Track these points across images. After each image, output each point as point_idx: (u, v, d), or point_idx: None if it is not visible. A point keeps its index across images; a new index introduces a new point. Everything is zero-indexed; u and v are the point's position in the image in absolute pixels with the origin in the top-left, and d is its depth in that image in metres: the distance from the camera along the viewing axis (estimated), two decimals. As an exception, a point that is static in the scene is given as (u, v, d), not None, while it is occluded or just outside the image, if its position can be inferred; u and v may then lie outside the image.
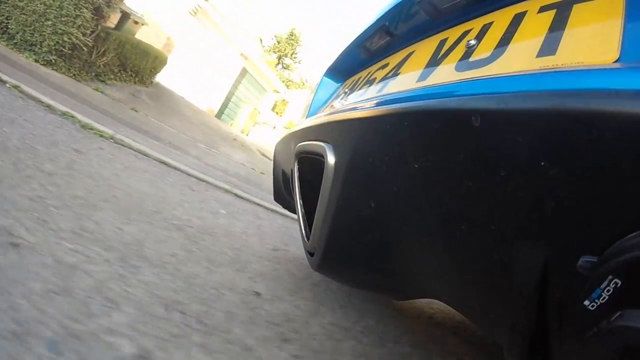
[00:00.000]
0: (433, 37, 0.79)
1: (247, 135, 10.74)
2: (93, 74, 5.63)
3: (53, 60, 4.89)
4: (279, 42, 22.94)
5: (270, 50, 22.42)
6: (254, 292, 1.05)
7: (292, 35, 22.62)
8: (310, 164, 1.11)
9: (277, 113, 13.67)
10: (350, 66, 1.22)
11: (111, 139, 2.27)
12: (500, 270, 0.52)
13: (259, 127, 11.22)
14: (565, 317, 0.43)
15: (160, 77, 9.03)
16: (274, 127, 11.66)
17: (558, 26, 0.48)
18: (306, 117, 1.36)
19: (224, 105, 11.55)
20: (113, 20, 6.61)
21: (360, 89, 1.03)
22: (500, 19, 0.61)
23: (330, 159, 0.88)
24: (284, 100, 14.34)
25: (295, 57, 25.59)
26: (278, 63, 23.39)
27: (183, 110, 6.45)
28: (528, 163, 0.42)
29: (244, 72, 11.72)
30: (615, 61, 0.38)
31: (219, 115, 11.27)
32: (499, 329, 0.59)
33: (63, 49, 4.95)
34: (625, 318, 0.30)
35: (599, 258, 0.35)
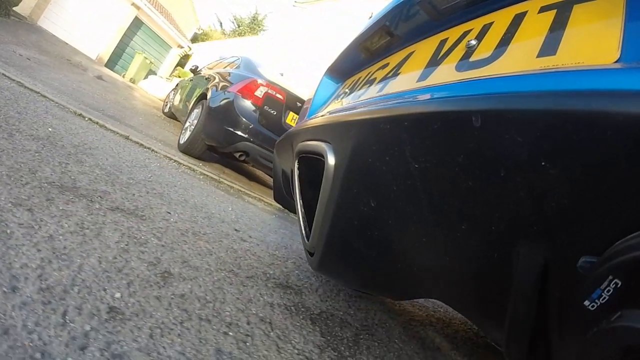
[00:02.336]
0: (433, 37, 0.79)
1: (134, 84, 10.39)
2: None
3: None
4: (239, 26, 21.07)
5: (231, 35, 21.30)
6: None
7: (254, 20, 21.65)
8: (310, 164, 1.11)
9: (181, 67, 13.30)
10: (350, 66, 1.22)
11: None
12: (500, 270, 0.52)
13: (152, 78, 10.80)
14: (565, 317, 0.43)
15: (43, 23, 9.02)
16: (168, 79, 11.41)
17: (558, 26, 0.48)
18: (306, 118, 1.36)
19: (117, 56, 11.26)
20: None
21: (360, 89, 1.03)
22: (501, 19, 0.61)
23: (330, 159, 0.88)
24: (185, 54, 13.90)
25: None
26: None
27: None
28: (528, 163, 0.42)
29: (137, 22, 11.40)
30: (616, 61, 0.38)
31: (110, 65, 10.98)
32: (499, 329, 0.59)
33: None
34: (625, 318, 0.30)
35: (599, 258, 0.35)
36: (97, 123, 2.17)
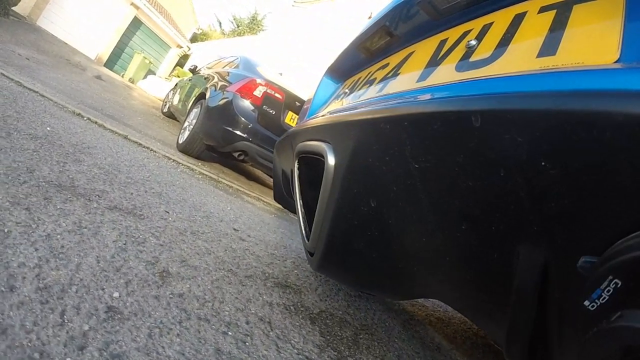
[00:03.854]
0: (433, 37, 0.79)
1: (133, 83, 10.34)
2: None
3: None
4: (238, 26, 21.25)
5: (230, 35, 21.29)
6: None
7: (254, 20, 21.66)
8: (310, 164, 1.11)
9: (181, 67, 13.23)
10: (350, 66, 1.22)
11: None
12: (500, 270, 0.52)
13: (151, 78, 10.74)
14: (565, 317, 0.43)
15: (42, 22, 8.99)
16: (167, 79, 11.37)
17: (558, 26, 0.48)
18: (306, 118, 1.36)
19: (116, 55, 11.25)
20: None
21: (360, 89, 1.03)
22: (501, 19, 0.61)
23: (330, 159, 0.88)
24: (184, 53, 13.78)
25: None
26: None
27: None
28: (528, 163, 0.42)
29: (136, 22, 11.38)
30: (616, 62, 0.38)
31: (109, 65, 10.97)
32: (499, 329, 0.59)
33: None
34: (625, 318, 0.30)
35: (599, 258, 0.35)
36: (95, 122, 2.17)
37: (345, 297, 1.32)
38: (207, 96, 3.21)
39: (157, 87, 9.97)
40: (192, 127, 3.18)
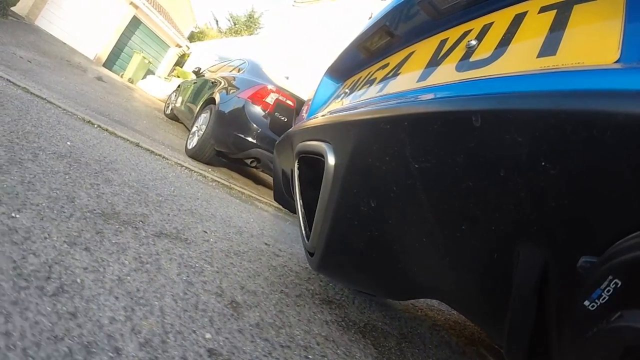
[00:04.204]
0: (433, 37, 0.79)
1: (132, 84, 10.13)
2: None
3: None
4: (235, 24, 20.99)
5: (227, 33, 21.30)
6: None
7: (250, 18, 21.66)
8: (311, 164, 1.11)
9: (180, 66, 13.05)
10: (350, 66, 1.22)
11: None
12: (500, 270, 0.52)
13: (151, 78, 10.56)
14: (565, 317, 0.43)
15: (40, 22, 8.84)
16: (166, 79, 11.18)
17: (558, 26, 0.48)
18: (306, 118, 1.36)
19: (115, 55, 11.06)
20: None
21: (360, 89, 1.03)
22: (501, 19, 0.61)
23: (331, 159, 0.88)
24: (184, 53, 13.57)
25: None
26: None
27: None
28: (528, 163, 0.42)
29: (135, 21, 11.21)
30: (616, 62, 0.38)
31: (108, 65, 10.64)
32: (499, 329, 0.59)
33: None
34: (625, 318, 0.30)
35: (599, 258, 0.35)
36: (106, 130, 2.17)
37: (378, 308, 1.37)
38: (217, 101, 3.18)
39: (157, 88, 9.90)
40: (201, 132, 3.16)
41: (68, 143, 1.51)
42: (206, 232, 1.32)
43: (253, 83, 3.14)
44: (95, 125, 2.14)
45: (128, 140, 2.23)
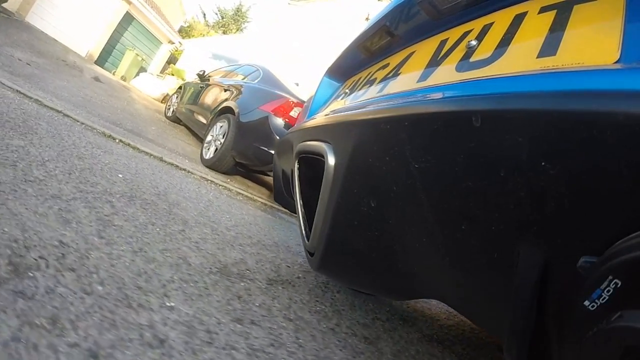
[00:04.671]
0: (434, 37, 0.79)
1: (125, 81, 9.59)
2: None
3: None
4: (223, 17, 21.18)
5: (214, 26, 21.02)
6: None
7: (238, 11, 21.54)
8: (311, 164, 1.11)
9: (173, 63, 12.69)
10: (350, 66, 1.22)
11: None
12: (500, 270, 0.52)
13: (144, 76, 10.11)
14: (565, 317, 0.43)
15: (31, 19, 8.51)
16: (159, 76, 10.83)
17: (558, 27, 0.48)
18: (307, 118, 1.36)
19: (107, 52, 10.53)
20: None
21: (360, 89, 1.03)
22: (501, 19, 0.61)
23: (331, 159, 0.88)
24: (176, 50, 13.19)
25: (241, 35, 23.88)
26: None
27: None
28: (528, 163, 0.42)
29: (128, 17, 10.79)
30: (616, 62, 0.38)
31: (100, 62, 10.23)
32: (499, 329, 0.59)
33: None
34: (625, 318, 0.30)
35: (599, 258, 0.35)
36: (129, 145, 2.18)
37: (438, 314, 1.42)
38: (236, 112, 3.14)
39: (151, 86, 9.62)
40: (219, 142, 3.16)
41: (120, 175, 1.49)
42: (288, 267, 1.35)
43: (275, 96, 3.14)
44: (117, 140, 2.15)
45: (152, 155, 2.26)
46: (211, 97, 4.15)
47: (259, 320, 0.84)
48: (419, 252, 0.73)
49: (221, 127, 3.32)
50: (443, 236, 0.62)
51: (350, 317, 1.12)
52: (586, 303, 0.34)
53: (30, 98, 2.04)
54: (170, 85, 10.00)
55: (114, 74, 10.30)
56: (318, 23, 10.57)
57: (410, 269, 0.81)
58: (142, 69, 11.48)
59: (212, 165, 3.07)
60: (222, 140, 3.12)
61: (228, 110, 3.38)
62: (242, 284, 1.01)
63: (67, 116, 2.08)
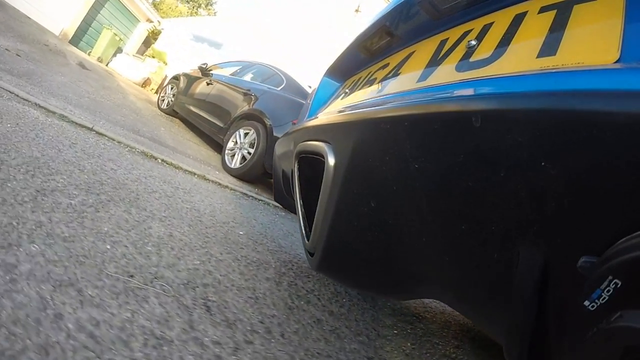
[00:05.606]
0: (433, 37, 0.79)
1: (102, 63, 8.88)
2: None
3: None
4: None
5: (183, 0, 20.72)
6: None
7: None
8: (311, 164, 1.11)
9: (153, 46, 11.38)
10: (350, 66, 1.22)
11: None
12: (500, 270, 0.52)
13: (123, 58, 9.49)
14: (565, 317, 0.43)
15: None
16: (136, 57, 9.99)
17: (558, 27, 0.48)
18: (307, 118, 1.36)
19: (82, 31, 9.50)
20: None
21: (360, 89, 1.03)
22: (501, 19, 0.61)
23: (331, 159, 0.88)
24: (154, 29, 11.93)
25: (210, 8, 23.52)
26: (191, 15, 20.96)
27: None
28: (528, 163, 0.42)
29: None
30: (616, 62, 0.38)
31: (75, 41, 9.25)
32: (499, 329, 0.59)
33: None
34: (625, 318, 0.30)
35: (599, 258, 0.35)
36: (165, 162, 2.13)
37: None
38: (267, 124, 3.08)
39: (132, 69, 8.94)
40: (246, 152, 3.13)
41: (187, 206, 1.44)
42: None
43: (305, 108, 3.10)
44: (160, 160, 2.10)
45: (194, 174, 2.24)
46: (226, 98, 4.00)
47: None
48: (418, 252, 0.73)
49: (246, 134, 3.24)
50: (443, 236, 0.62)
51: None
52: (586, 303, 0.34)
53: (54, 113, 1.90)
54: (151, 69, 9.45)
55: (89, 54, 9.32)
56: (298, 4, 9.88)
57: (410, 269, 0.81)
58: (119, 50, 10.55)
59: (241, 175, 3.03)
60: (251, 151, 3.08)
61: (254, 117, 3.28)
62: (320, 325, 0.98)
63: (101, 134, 1.98)
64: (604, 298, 0.32)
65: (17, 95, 1.87)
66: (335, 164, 0.87)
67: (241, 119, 3.46)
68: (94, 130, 1.99)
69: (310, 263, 1.06)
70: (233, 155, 3.26)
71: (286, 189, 1.58)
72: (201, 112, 4.30)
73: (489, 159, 0.47)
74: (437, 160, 0.56)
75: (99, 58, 9.38)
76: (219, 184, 2.35)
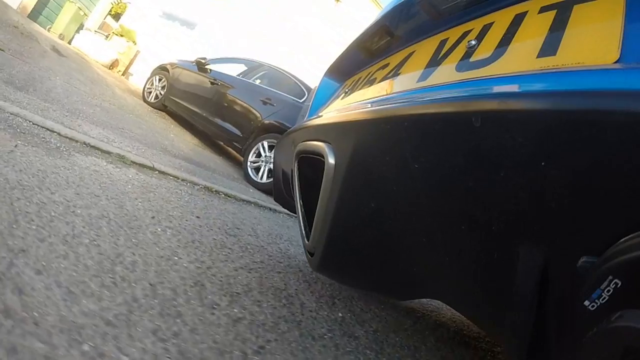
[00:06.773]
0: (434, 37, 0.79)
1: (64, 40, 8.02)
2: None
3: None
4: None
5: None
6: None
7: None
8: (311, 164, 1.11)
9: (115, 19, 10.05)
10: (350, 66, 1.22)
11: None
12: (500, 270, 0.52)
13: (87, 35, 8.53)
14: (565, 317, 0.43)
15: None
16: (99, 32, 8.87)
17: (558, 27, 0.48)
18: (307, 117, 1.36)
19: (42, 4, 8.32)
20: None
21: (360, 89, 1.03)
22: (501, 19, 0.61)
23: (331, 159, 0.88)
24: (120, 2, 10.61)
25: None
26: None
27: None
28: (528, 163, 0.42)
29: None
30: (616, 62, 0.38)
31: (33, 16, 8.08)
32: (499, 329, 0.59)
33: None
34: (625, 318, 0.30)
35: (599, 258, 0.35)
36: (234, 197, 2.02)
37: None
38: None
39: (98, 49, 8.12)
40: (272, 165, 3.02)
41: (278, 246, 1.34)
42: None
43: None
44: (222, 195, 1.99)
45: (272, 209, 2.20)
46: (243, 104, 3.79)
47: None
48: (419, 252, 0.73)
49: (272, 147, 3.15)
50: (443, 236, 0.62)
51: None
52: (586, 303, 0.34)
53: (110, 154, 1.58)
54: (119, 48, 8.55)
55: (49, 30, 8.35)
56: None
57: (410, 269, 0.81)
58: (81, 26, 9.42)
59: (269, 190, 2.94)
60: None
61: (280, 131, 3.17)
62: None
63: (164, 173, 1.69)
64: (604, 298, 0.32)
65: (59, 134, 1.48)
66: (335, 164, 0.87)
67: (265, 131, 3.34)
68: (155, 170, 1.71)
69: (310, 263, 1.06)
70: (257, 169, 3.18)
71: (286, 189, 1.58)
72: (209, 116, 4.04)
73: (489, 159, 0.47)
74: (437, 160, 0.56)
75: (60, 35, 8.46)
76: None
